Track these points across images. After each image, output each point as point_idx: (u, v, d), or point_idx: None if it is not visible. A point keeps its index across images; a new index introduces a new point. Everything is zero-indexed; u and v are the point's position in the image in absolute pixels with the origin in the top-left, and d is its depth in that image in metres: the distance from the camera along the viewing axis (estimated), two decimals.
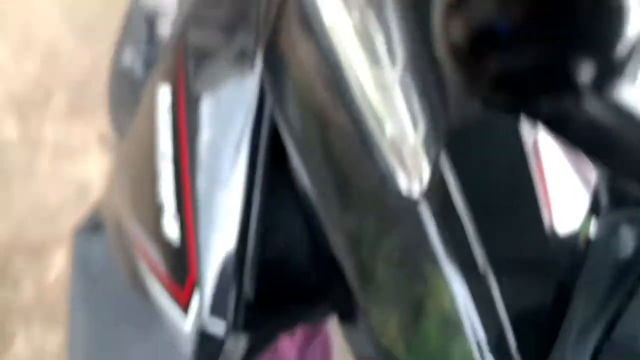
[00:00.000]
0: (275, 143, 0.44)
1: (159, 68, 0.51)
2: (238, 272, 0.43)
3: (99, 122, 1.52)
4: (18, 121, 1.43)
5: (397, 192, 0.32)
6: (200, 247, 0.43)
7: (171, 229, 0.45)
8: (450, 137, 0.31)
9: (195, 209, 0.43)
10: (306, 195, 0.43)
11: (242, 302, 0.44)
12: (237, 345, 0.45)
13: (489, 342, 0.28)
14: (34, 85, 1.47)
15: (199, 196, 0.43)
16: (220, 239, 0.43)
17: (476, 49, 0.16)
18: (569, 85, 0.14)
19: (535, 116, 0.16)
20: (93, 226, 1.10)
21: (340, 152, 0.38)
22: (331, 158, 0.39)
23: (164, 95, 0.47)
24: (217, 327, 0.44)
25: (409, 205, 0.31)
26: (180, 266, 0.44)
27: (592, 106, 0.14)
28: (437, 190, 0.30)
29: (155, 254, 0.49)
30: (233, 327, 0.44)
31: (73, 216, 1.46)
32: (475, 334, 0.28)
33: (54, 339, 1.40)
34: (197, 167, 0.44)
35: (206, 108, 0.45)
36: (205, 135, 0.44)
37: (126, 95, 1.07)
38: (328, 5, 0.35)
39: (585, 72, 0.14)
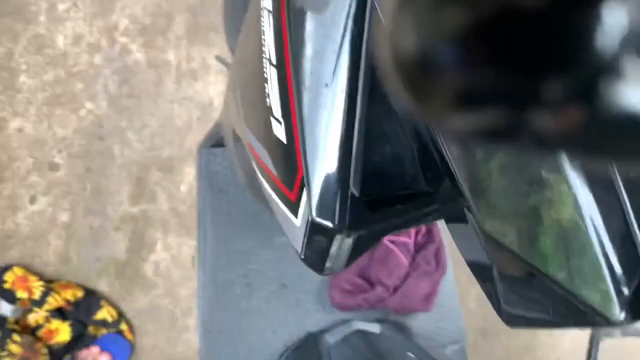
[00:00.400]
0: None
1: None
2: (344, 173, 0.44)
3: (217, 43, 1.58)
4: (143, 46, 1.52)
5: None
6: (306, 148, 0.44)
7: (278, 131, 0.47)
8: None
9: (300, 111, 0.44)
10: None
11: (348, 202, 0.45)
12: (345, 241, 0.47)
13: (618, 251, 0.27)
14: (155, 11, 1.54)
15: (304, 98, 0.44)
16: (325, 140, 0.44)
17: (428, 62, 0.13)
18: (540, 102, 0.11)
19: (505, 139, 0.13)
20: (216, 141, 1.17)
21: None
22: None
23: (267, 2, 0.48)
24: (326, 224, 0.45)
25: None
26: (289, 166, 0.46)
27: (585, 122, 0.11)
28: None
29: (266, 157, 0.51)
30: (340, 225, 0.45)
31: (198, 133, 1.55)
32: (601, 245, 0.27)
33: (188, 246, 1.53)
34: (301, 70, 0.44)
35: (308, 10, 0.45)
36: (307, 38, 0.44)
37: (239, 10, 1.09)
38: None
39: (558, 88, 0.11)
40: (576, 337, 2.07)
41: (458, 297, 1.31)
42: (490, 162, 0.34)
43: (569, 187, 0.28)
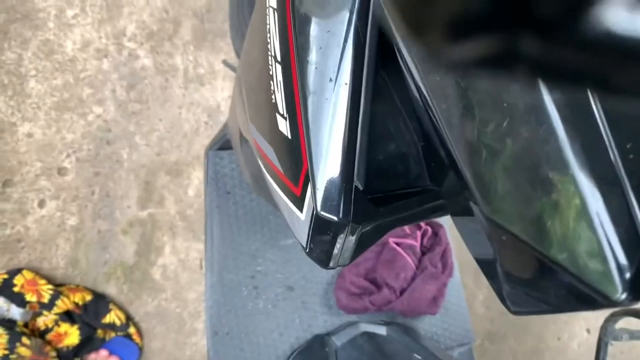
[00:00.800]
0: (386, 49, 0.44)
1: None
2: (348, 168, 0.45)
3: (224, 48, 1.59)
4: (151, 51, 1.54)
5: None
6: (310, 142, 0.44)
7: (283, 126, 0.48)
8: None
9: (304, 106, 0.44)
10: (422, 101, 0.42)
11: (352, 197, 0.45)
12: (349, 234, 0.48)
13: (619, 232, 0.27)
14: (163, 17, 1.55)
15: (308, 93, 0.44)
16: (330, 135, 0.44)
17: None
18: (532, 22, 0.11)
19: (502, 65, 0.13)
20: (223, 144, 1.18)
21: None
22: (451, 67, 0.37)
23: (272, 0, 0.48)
24: (330, 218, 0.46)
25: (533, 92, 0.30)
26: (294, 161, 0.47)
27: (574, 43, 0.11)
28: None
29: (271, 153, 0.52)
30: (344, 219, 0.45)
31: (206, 137, 1.56)
32: (602, 225, 0.27)
33: (195, 250, 1.54)
34: (305, 65, 0.45)
35: (312, 7, 0.46)
36: (312, 34, 0.45)
37: (245, 15, 1.10)
38: None
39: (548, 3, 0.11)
40: (584, 342, 2.06)
41: (465, 299, 1.31)
42: (496, 155, 0.35)
43: (572, 173, 0.28)
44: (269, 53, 0.50)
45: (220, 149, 1.21)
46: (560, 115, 0.28)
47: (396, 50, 0.42)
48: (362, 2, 0.43)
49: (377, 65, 0.46)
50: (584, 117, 0.27)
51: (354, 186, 0.46)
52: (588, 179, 0.28)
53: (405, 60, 0.41)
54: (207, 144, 1.36)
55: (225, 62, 1.53)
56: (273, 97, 0.49)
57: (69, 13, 1.47)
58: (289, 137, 0.47)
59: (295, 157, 0.47)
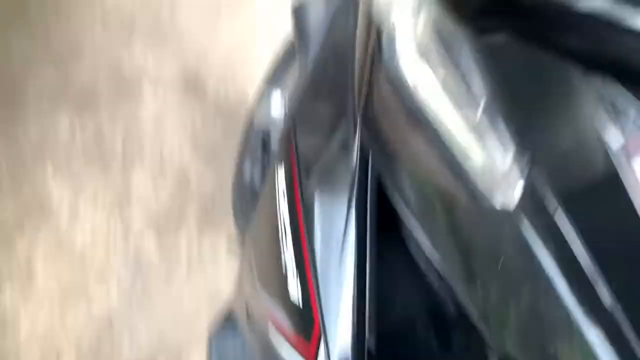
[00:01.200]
0: (385, 213, 0.48)
1: (275, 155, 0.58)
2: (360, 331, 0.46)
3: (227, 233, 1.65)
4: (156, 237, 1.59)
5: (495, 211, 0.34)
6: (322, 308, 0.47)
7: (294, 293, 0.50)
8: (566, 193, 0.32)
9: (314, 273, 0.47)
10: (429, 263, 0.44)
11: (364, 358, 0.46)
12: None
13: None
14: (169, 205, 1.63)
15: (317, 261, 0.47)
16: (340, 300, 0.46)
17: None
18: None
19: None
20: (226, 322, 1.17)
21: (458, 220, 0.40)
22: (451, 228, 0.41)
23: (281, 177, 0.54)
24: None
25: (516, 231, 0.32)
26: (306, 325, 0.48)
27: None
28: (536, 205, 0.32)
29: (283, 319, 0.53)
30: None
31: (208, 320, 1.55)
32: None
33: None
34: (313, 241, 0.49)
35: (317, 188, 0.51)
36: (317, 211, 0.49)
37: (249, 204, 1.16)
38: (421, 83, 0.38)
39: None
40: None
41: None
42: (504, 322, 0.36)
43: (585, 338, 0.29)
44: (279, 229, 0.54)
45: (224, 326, 1.19)
46: (566, 283, 0.31)
47: (401, 217, 0.46)
48: (360, 189, 0.48)
49: (380, 235, 0.49)
50: (592, 293, 0.30)
51: (366, 352, 0.47)
52: (601, 341, 0.29)
53: (411, 226, 0.44)
54: (210, 328, 1.35)
55: (229, 246, 1.58)
56: (284, 268, 0.52)
57: (81, 207, 1.55)
58: (300, 303, 0.49)
59: (308, 323, 0.48)
